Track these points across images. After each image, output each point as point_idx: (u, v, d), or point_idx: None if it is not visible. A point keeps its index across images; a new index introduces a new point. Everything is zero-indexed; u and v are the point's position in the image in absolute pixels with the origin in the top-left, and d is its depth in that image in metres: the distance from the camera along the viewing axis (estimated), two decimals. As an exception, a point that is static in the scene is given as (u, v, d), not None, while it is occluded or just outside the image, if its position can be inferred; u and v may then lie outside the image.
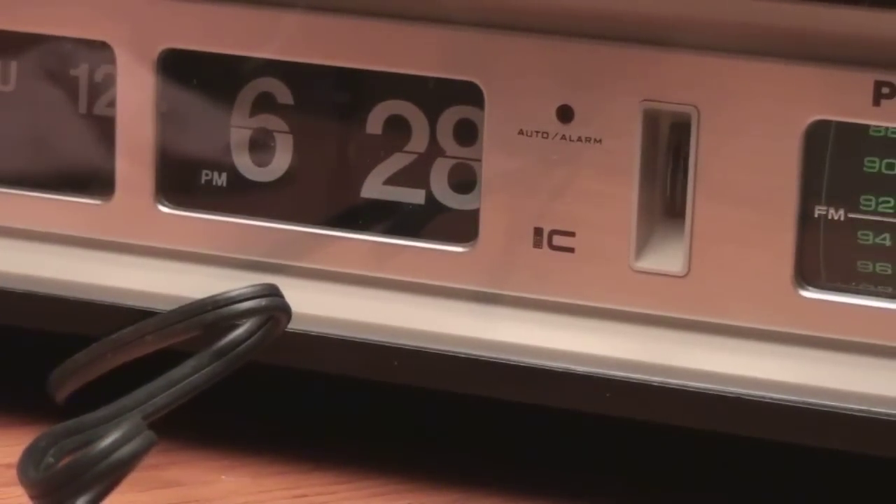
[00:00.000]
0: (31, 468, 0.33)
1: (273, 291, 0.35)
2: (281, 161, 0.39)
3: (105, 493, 0.32)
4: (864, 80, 0.34)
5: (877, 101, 0.34)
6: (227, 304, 0.34)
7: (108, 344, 0.35)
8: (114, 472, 0.32)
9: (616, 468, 0.40)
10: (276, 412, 0.43)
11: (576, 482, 0.39)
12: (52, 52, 0.41)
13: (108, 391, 0.35)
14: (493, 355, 0.37)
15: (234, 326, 0.35)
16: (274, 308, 0.35)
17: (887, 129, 0.34)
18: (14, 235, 0.42)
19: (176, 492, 0.38)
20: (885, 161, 0.35)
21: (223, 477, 0.39)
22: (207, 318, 0.35)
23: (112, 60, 0.40)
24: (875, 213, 0.35)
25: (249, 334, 0.35)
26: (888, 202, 0.35)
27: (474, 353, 0.37)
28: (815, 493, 0.39)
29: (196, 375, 0.35)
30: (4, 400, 0.42)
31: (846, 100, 0.35)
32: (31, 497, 0.33)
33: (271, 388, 0.43)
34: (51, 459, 0.33)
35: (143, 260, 0.41)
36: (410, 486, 0.39)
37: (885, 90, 0.34)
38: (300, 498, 0.38)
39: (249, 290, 0.34)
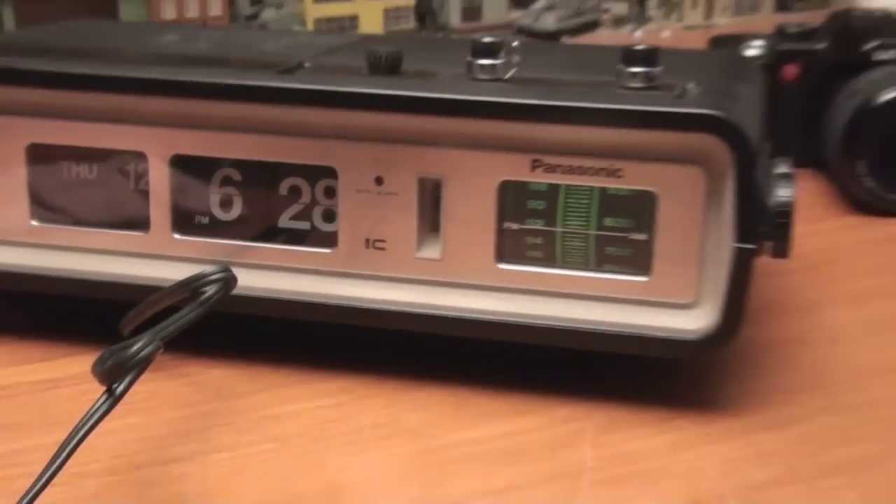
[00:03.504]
0: (98, 366, 0.39)
1: (226, 268, 0.43)
2: (236, 209, 0.51)
3: (137, 376, 0.38)
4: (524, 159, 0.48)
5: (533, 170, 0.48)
6: (203, 277, 0.43)
7: (147, 303, 0.44)
8: (140, 364, 0.38)
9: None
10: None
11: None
12: (113, 157, 0.51)
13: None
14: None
15: (205, 289, 0.42)
16: (227, 277, 0.43)
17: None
18: (84, 251, 0.52)
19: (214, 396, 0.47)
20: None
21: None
22: (193, 284, 0.43)
23: (146, 161, 0.50)
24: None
25: (215, 292, 0.42)
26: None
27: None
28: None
29: (187, 316, 0.42)
30: (89, 337, 0.50)
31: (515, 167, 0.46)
32: (99, 381, 0.38)
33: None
34: (110, 362, 0.39)
35: (166, 263, 0.52)
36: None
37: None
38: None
39: (214, 268, 0.43)
